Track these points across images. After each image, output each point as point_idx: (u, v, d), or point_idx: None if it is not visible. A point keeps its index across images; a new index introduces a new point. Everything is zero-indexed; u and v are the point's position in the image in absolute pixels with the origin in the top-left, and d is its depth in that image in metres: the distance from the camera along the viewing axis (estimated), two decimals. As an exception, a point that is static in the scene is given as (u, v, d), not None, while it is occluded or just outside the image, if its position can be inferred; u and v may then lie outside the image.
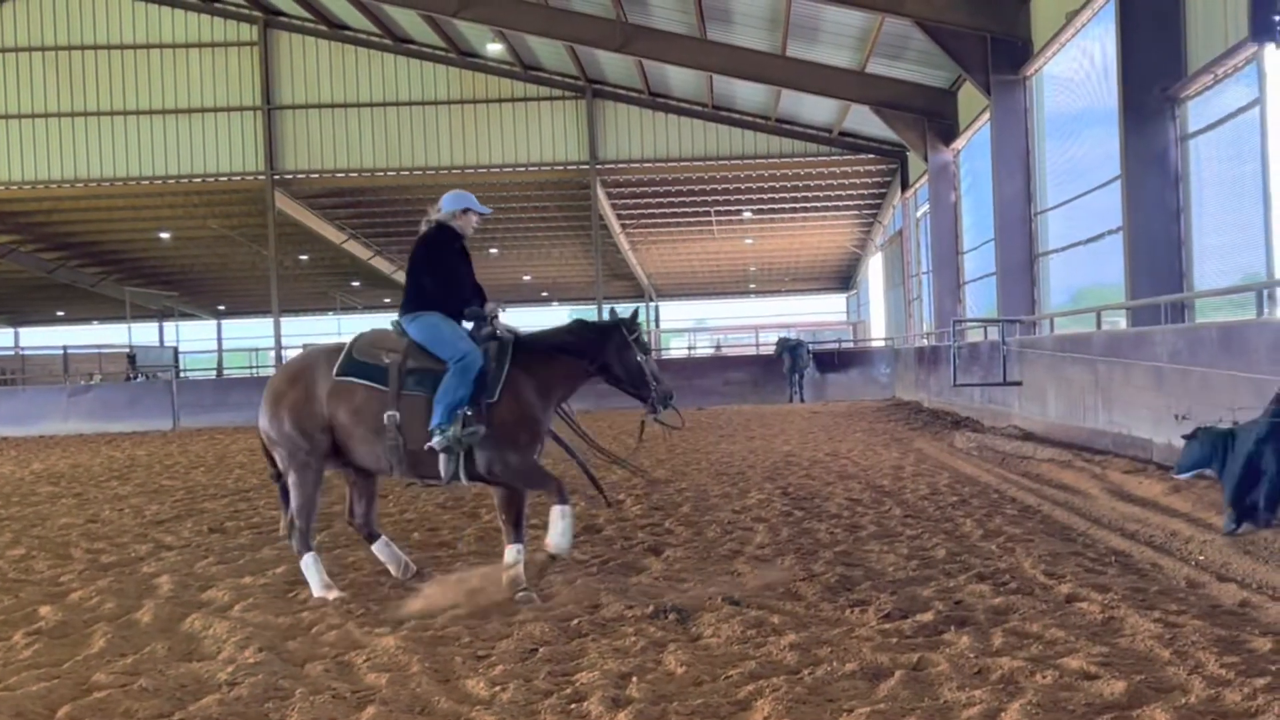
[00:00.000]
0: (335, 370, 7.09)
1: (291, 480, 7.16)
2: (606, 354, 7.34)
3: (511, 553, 6.98)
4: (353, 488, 7.54)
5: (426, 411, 6.90)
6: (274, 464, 7.40)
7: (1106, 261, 16.58)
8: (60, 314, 58.47)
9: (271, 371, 39.01)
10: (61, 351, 44.96)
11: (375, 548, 7.56)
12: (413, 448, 6.95)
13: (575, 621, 6.08)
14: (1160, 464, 11.14)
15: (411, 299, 7.23)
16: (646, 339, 7.83)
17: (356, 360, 7.10)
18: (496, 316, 7.32)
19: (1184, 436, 8.33)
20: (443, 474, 6.96)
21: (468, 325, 7.28)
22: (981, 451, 14.70)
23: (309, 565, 7.09)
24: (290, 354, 45.30)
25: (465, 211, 7.42)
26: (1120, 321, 15.55)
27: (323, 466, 7.23)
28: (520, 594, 6.73)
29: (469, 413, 6.87)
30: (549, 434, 7.42)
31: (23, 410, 30.32)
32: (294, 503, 7.14)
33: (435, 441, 6.83)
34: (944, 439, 16.98)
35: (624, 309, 7.95)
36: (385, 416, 6.93)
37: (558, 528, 6.86)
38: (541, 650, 5.53)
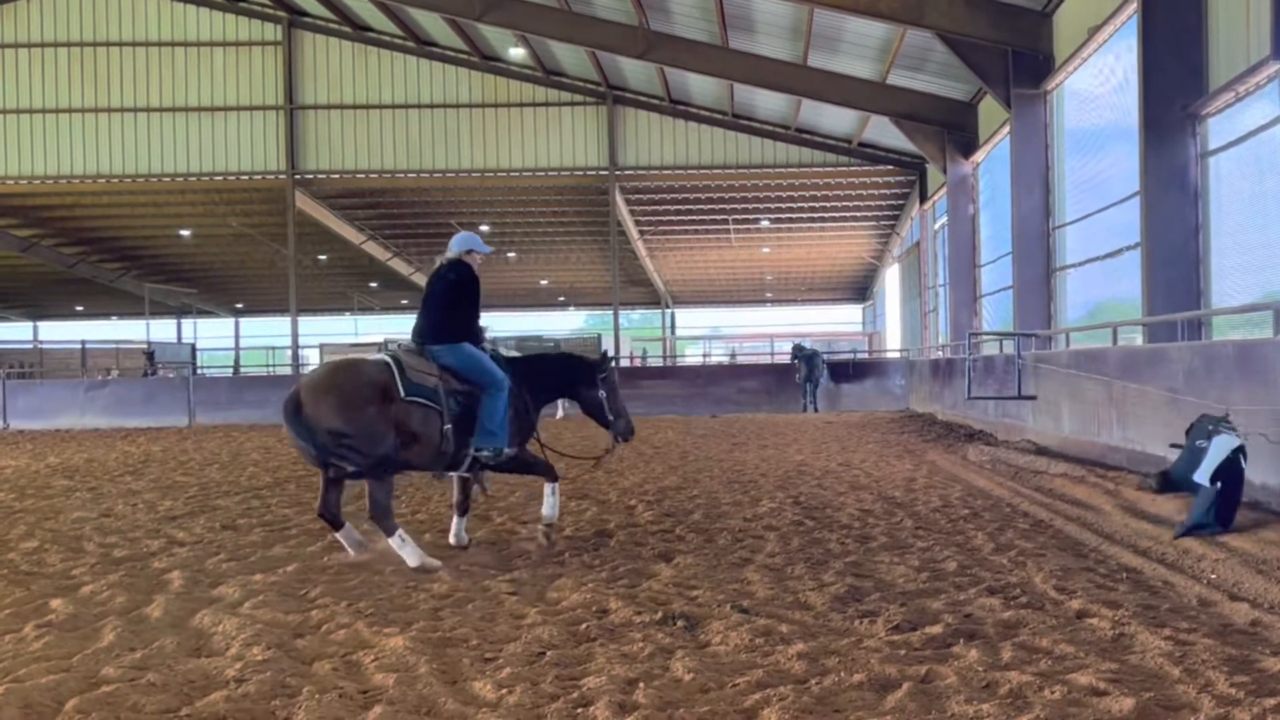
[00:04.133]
0: (404, 392, 8.14)
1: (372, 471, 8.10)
2: (576, 385, 9.13)
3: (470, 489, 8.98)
4: (330, 483, 8.18)
5: (466, 425, 8.37)
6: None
7: (1124, 277, 16.53)
8: (79, 309, 58.79)
9: (288, 370, 39.18)
10: (80, 346, 45.20)
11: (340, 533, 8.27)
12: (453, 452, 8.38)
13: (584, 626, 6.08)
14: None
15: (445, 329, 8.49)
16: (614, 379, 9.14)
17: (413, 381, 8.21)
18: (493, 344, 8.99)
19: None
20: (470, 471, 8.65)
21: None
22: (995, 465, 14.66)
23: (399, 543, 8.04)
24: (307, 353, 45.60)
25: (470, 251, 8.72)
26: (1136, 337, 15.50)
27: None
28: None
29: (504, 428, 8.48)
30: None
31: (40, 404, 30.50)
32: (375, 490, 8.10)
33: (485, 455, 8.38)
34: (957, 452, 16.93)
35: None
36: (445, 429, 8.24)
37: (549, 502, 8.79)
38: (549, 654, 5.53)
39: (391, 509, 8.10)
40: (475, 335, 8.60)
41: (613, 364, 9.14)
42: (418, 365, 8.28)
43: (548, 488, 8.77)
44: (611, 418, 9.04)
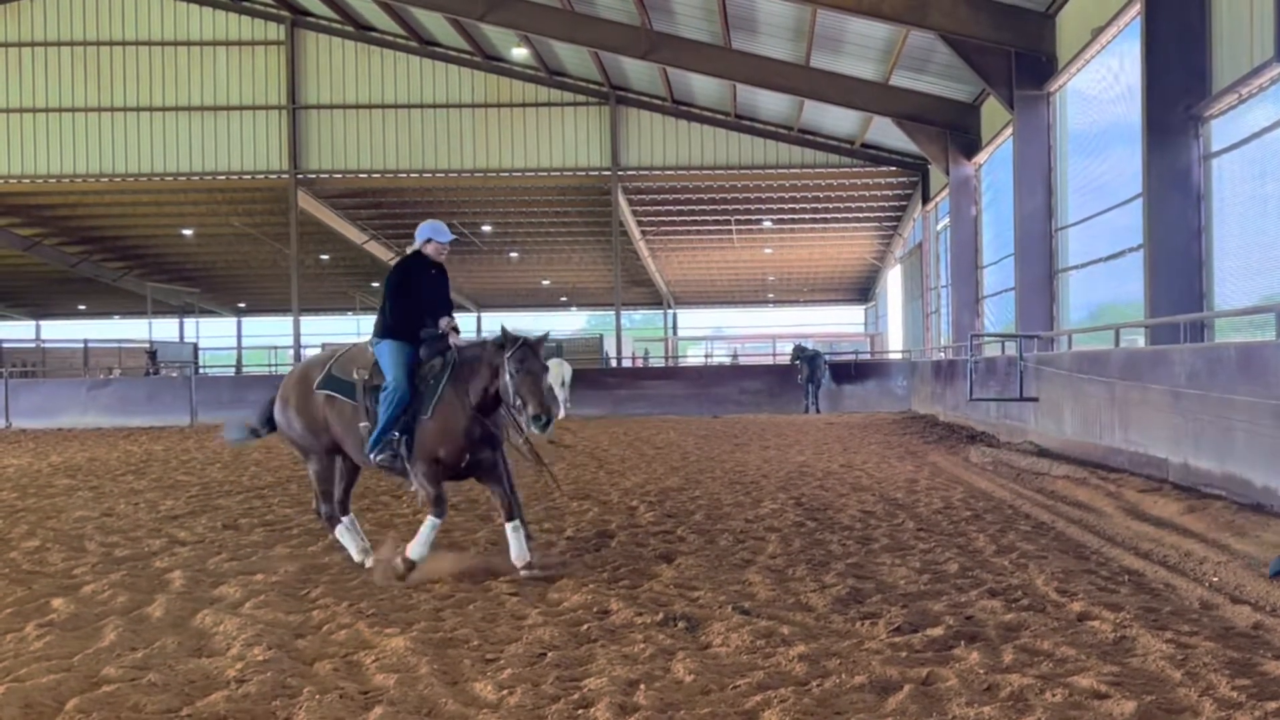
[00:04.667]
0: (316, 384, 8.13)
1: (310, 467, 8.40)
2: (497, 371, 7.73)
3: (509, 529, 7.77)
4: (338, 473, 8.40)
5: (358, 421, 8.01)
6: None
7: (1126, 279, 16.51)
8: (82, 308, 58.77)
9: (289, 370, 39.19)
10: (82, 345, 45.19)
11: (339, 527, 8.28)
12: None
13: (585, 627, 6.08)
14: (1176, 483, 11.08)
15: (378, 324, 8.05)
16: (528, 361, 7.66)
17: (331, 375, 8.12)
18: (452, 332, 8.01)
19: None
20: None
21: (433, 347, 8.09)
22: (996, 467, 14.65)
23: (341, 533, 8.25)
24: (309, 353, 45.63)
25: (429, 241, 8.19)
26: (1139, 339, 15.49)
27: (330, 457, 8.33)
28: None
29: (394, 436, 7.75)
30: (499, 439, 8.03)
31: (42, 403, 30.50)
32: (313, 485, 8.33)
33: (374, 459, 7.82)
34: (959, 453, 16.93)
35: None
36: (360, 426, 7.93)
37: (421, 537, 7.64)
38: (550, 655, 5.53)
39: (328, 502, 8.27)
40: (401, 330, 7.93)
41: (526, 343, 7.70)
42: (352, 359, 8.14)
43: (427, 521, 7.71)
44: (517, 402, 7.55)
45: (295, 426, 8.22)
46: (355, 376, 7.99)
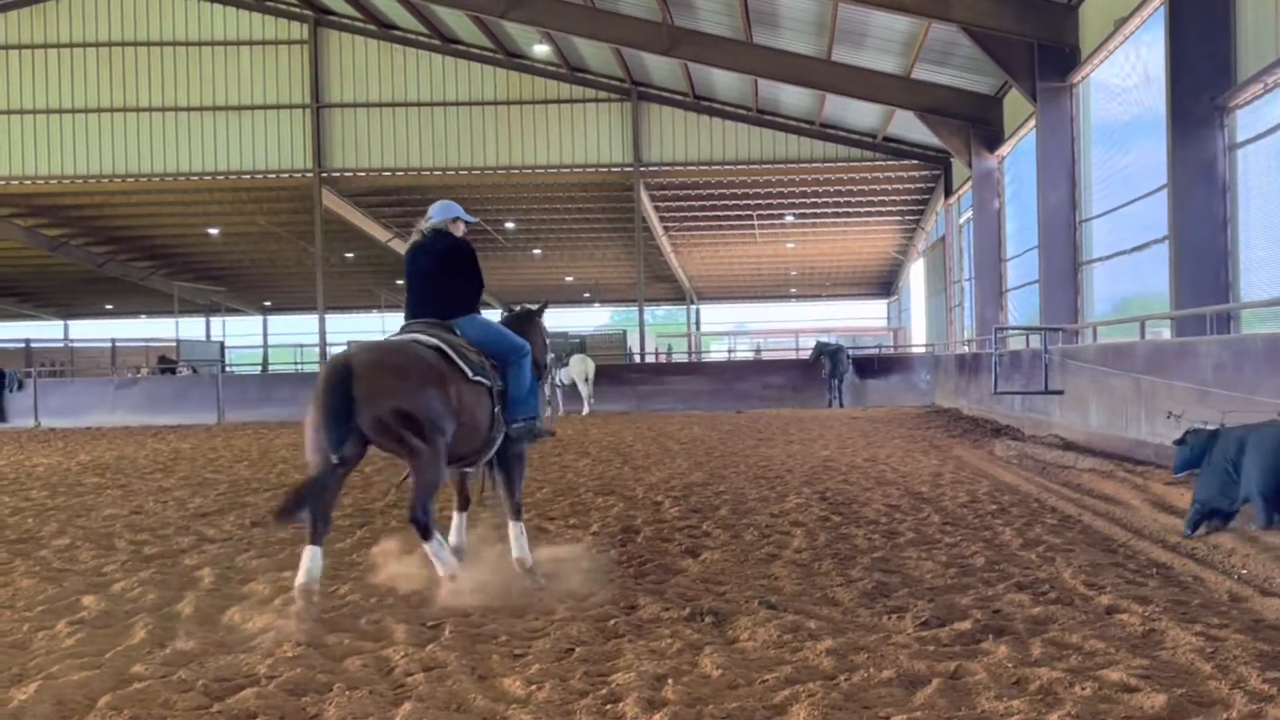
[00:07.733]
0: (472, 374, 7.06)
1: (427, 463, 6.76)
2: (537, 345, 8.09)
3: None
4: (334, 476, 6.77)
5: (489, 403, 7.23)
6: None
7: (1151, 271, 16.43)
8: (109, 307, 59.14)
9: (316, 368, 39.33)
10: (110, 344, 45.48)
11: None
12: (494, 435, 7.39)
13: (612, 622, 6.08)
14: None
15: (461, 301, 7.51)
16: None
17: (472, 362, 7.10)
18: None
19: (1175, 442, 8.65)
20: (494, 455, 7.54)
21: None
22: (1022, 460, 14.59)
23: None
24: (334, 351, 45.80)
25: (456, 220, 7.75)
26: (1164, 332, 15.40)
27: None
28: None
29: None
30: None
31: (71, 402, 30.77)
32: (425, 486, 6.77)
33: (517, 428, 7.38)
34: (984, 447, 16.86)
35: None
36: (495, 411, 7.29)
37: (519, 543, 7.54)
38: (578, 650, 5.53)
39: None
40: (479, 305, 7.68)
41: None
42: (453, 346, 7.02)
43: (514, 528, 7.59)
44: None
45: (447, 426, 6.81)
46: (477, 359, 7.16)
